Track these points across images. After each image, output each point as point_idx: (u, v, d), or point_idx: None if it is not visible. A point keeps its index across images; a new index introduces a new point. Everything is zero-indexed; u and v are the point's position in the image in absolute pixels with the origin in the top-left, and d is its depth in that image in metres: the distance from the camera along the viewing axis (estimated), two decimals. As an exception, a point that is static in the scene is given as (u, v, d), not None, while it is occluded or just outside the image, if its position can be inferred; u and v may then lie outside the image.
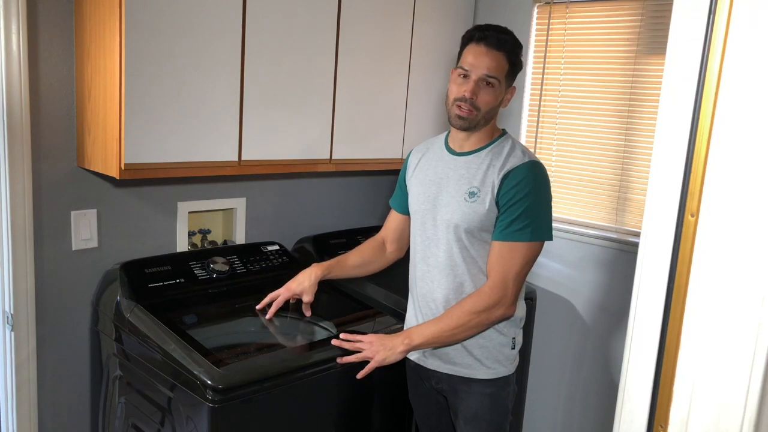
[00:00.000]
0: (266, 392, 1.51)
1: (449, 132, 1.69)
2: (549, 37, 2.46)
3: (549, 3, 2.43)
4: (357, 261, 1.87)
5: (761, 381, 0.74)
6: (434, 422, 1.78)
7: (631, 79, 2.27)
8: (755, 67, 0.74)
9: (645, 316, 0.87)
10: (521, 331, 1.68)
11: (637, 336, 0.89)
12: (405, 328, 1.79)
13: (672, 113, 0.83)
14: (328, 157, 2.15)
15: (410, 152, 1.80)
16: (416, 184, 1.70)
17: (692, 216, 0.80)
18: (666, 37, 0.87)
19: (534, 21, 2.48)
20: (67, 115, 1.82)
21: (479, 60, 1.53)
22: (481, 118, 1.56)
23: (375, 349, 1.58)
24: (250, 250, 2.15)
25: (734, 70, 0.76)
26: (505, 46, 1.54)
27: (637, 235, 2.23)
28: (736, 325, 0.76)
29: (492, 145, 1.60)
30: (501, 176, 1.53)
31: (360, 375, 1.59)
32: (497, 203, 1.53)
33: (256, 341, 1.77)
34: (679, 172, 0.82)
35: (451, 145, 1.66)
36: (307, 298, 1.80)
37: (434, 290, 1.63)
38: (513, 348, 1.64)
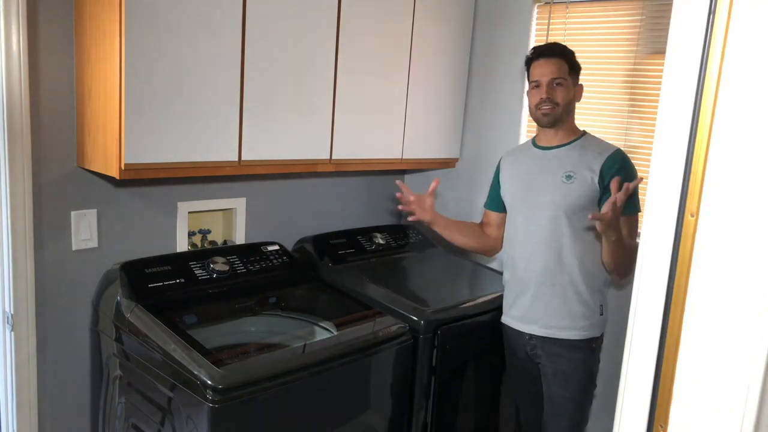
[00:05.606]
0: (266, 392, 1.51)
1: (535, 136, 1.98)
2: (549, 38, 2.45)
3: (549, 3, 2.43)
4: (463, 239, 2.09)
5: (761, 381, 0.74)
6: (528, 385, 2.00)
7: (631, 79, 2.27)
8: (755, 67, 0.74)
9: (645, 316, 0.87)
10: (606, 298, 1.91)
11: (637, 336, 0.88)
12: (504, 310, 2.00)
13: (672, 113, 0.83)
14: (328, 157, 2.15)
15: (500, 159, 2.09)
16: (512, 177, 1.99)
17: (692, 216, 0.80)
18: (666, 37, 0.87)
19: (534, 21, 2.48)
20: (67, 116, 1.82)
21: (543, 69, 1.85)
22: (562, 111, 1.85)
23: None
24: (250, 250, 2.15)
25: (734, 70, 0.76)
26: (558, 52, 1.87)
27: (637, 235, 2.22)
28: (736, 325, 0.76)
29: (580, 140, 1.90)
30: (603, 161, 1.81)
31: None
32: (600, 184, 1.80)
33: (256, 341, 1.78)
34: (679, 172, 0.82)
35: (540, 143, 1.95)
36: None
37: (536, 261, 1.86)
38: (601, 314, 1.87)
